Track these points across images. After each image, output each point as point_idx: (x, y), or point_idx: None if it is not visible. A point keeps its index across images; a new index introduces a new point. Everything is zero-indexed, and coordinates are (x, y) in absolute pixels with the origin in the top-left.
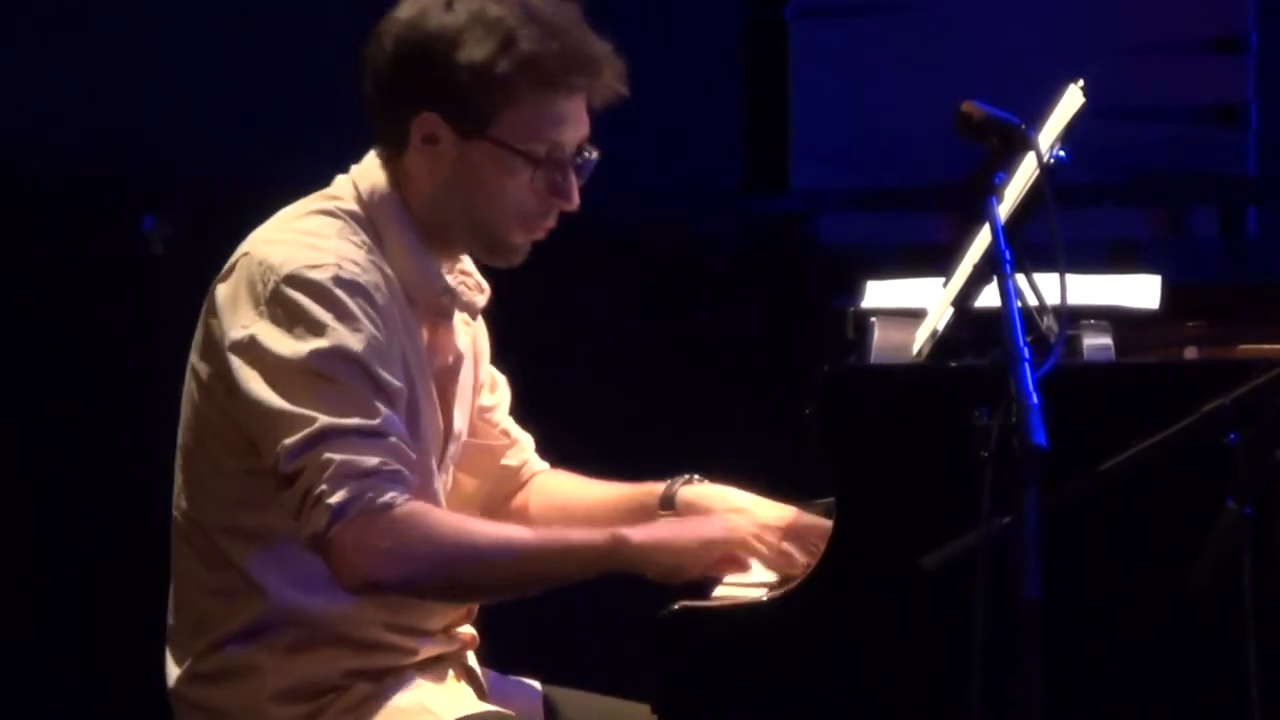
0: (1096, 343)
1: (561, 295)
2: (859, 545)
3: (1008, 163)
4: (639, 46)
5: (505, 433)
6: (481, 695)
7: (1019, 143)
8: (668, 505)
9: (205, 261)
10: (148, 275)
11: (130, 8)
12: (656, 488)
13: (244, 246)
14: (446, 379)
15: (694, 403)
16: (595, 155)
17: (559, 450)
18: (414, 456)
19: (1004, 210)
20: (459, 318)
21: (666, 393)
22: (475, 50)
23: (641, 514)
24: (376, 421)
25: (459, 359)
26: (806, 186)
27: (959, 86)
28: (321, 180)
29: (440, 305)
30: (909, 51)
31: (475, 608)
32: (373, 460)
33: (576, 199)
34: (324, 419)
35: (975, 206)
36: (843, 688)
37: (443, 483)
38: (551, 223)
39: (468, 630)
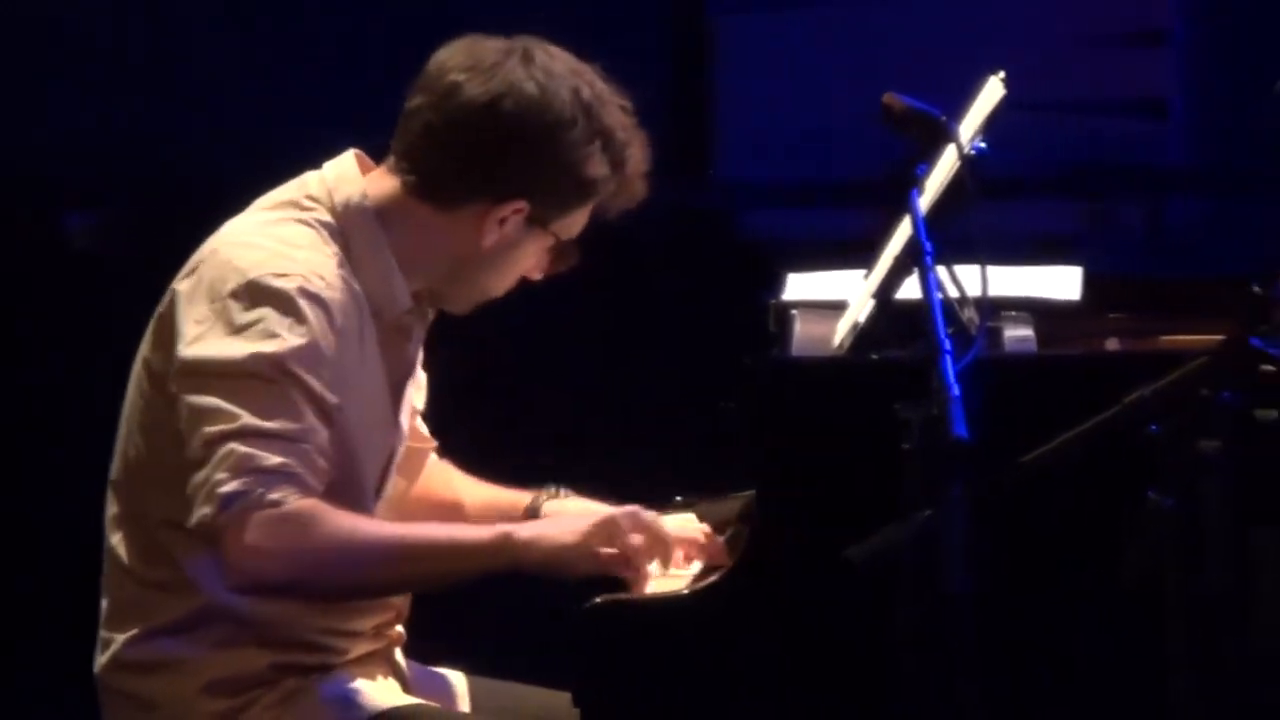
0: (1018, 334)
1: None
2: (780, 539)
3: (930, 155)
4: (562, 38)
5: (421, 427)
6: (406, 688)
7: (940, 134)
8: (532, 517)
9: (140, 259)
10: (71, 272)
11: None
12: (523, 498)
13: (211, 244)
14: (399, 388)
15: (613, 395)
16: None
17: (471, 444)
18: (325, 468)
19: (925, 202)
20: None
21: (585, 386)
22: (596, 167)
23: (508, 520)
24: (297, 427)
25: (411, 366)
26: (729, 179)
27: (882, 79)
28: (265, 179)
29: (401, 322)
30: (833, 44)
31: (407, 609)
32: (275, 460)
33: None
34: (248, 418)
35: (897, 199)
36: (763, 681)
37: (389, 490)
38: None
39: (397, 630)
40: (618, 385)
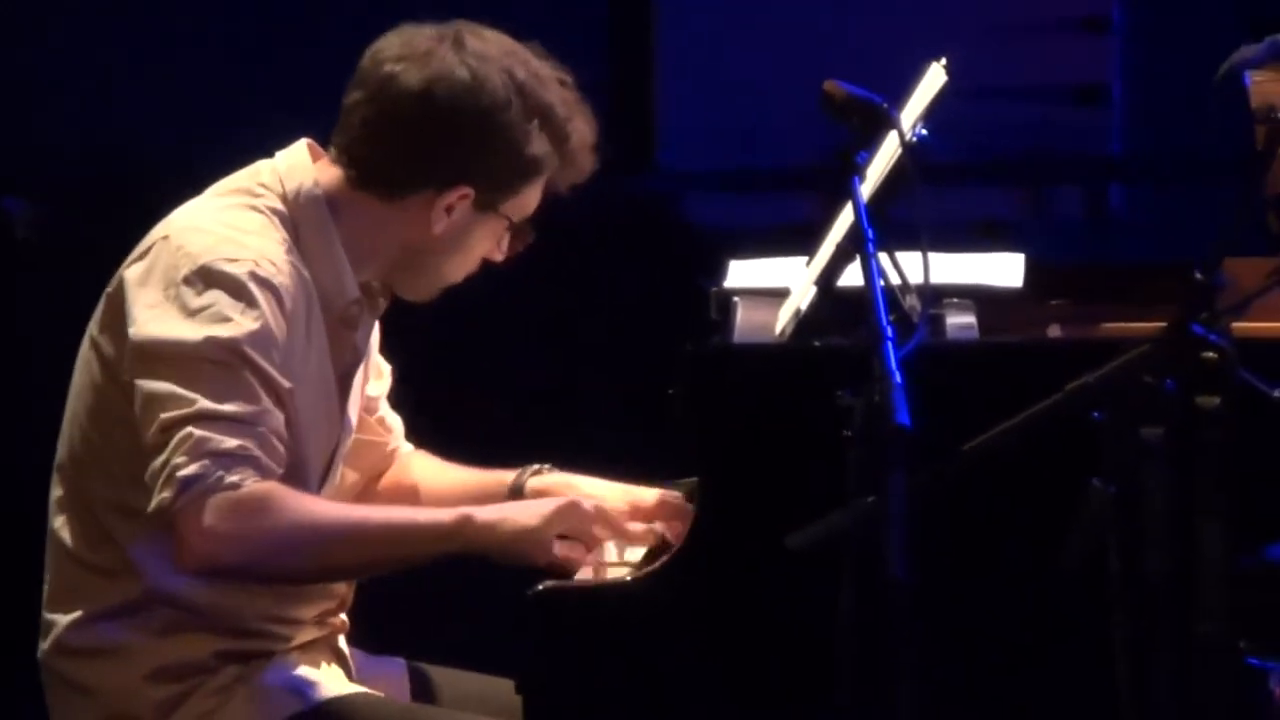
0: (960, 321)
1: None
2: (723, 525)
3: (871, 142)
4: (502, 24)
5: (381, 420)
6: (350, 676)
7: (882, 121)
8: (516, 495)
9: (83, 246)
10: (12, 259)
11: None
12: (506, 477)
13: (161, 229)
14: (346, 378)
15: (557, 383)
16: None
17: (423, 432)
18: (282, 451)
19: (867, 189)
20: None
21: (530, 373)
22: (536, 144)
23: (489, 502)
24: (253, 410)
25: (358, 356)
26: (672, 167)
27: (824, 66)
28: (213, 168)
29: (349, 313)
30: (775, 31)
31: (350, 597)
32: (232, 442)
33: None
34: (204, 402)
35: (839, 186)
36: (707, 667)
37: (335, 480)
38: (476, 273)
39: (341, 618)
40: (560, 373)
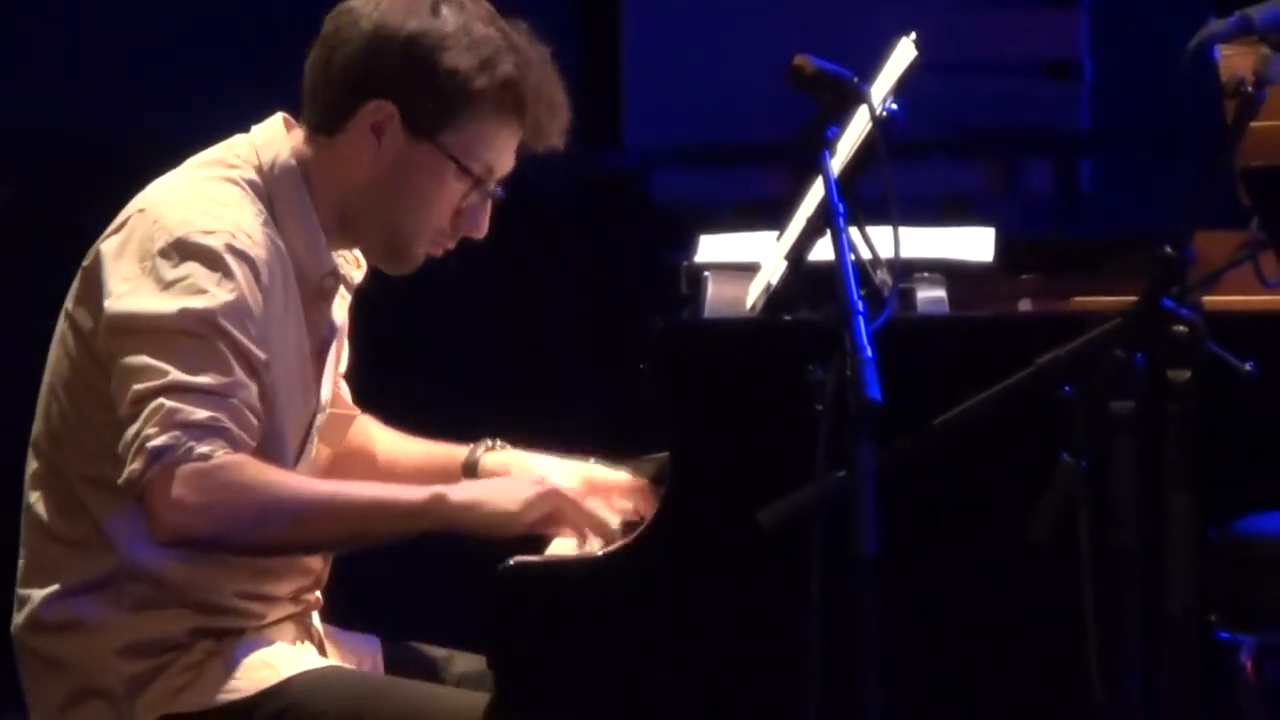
0: (931, 296)
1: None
2: (694, 501)
3: (841, 117)
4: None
5: (346, 392)
6: (323, 653)
7: (851, 96)
8: (470, 472)
9: (58, 223)
10: None
11: None
12: (460, 452)
13: (137, 203)
14: (321, 353)
15: (527, 359)
16: (501, 193)
17: (387, 408)
18: (255, 424)
19: (837, 164)
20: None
21: (499, 350)
22: (458, 58)
23: (443, 477)
24: (226, 381)
25: (333, 332)
26: (640, 143)
27: (793, 41)
28: (182, 146)
29: (324, 286)
30: (745, 7)
31: (325, 574)
32: (203, 414)
33: (485, 229)
34: (176, 374)
35: (809, 161)
36: (678, 642)
37: (310, 455)
38: (452, 245)
39: (315, 595)
40: (530, 348)
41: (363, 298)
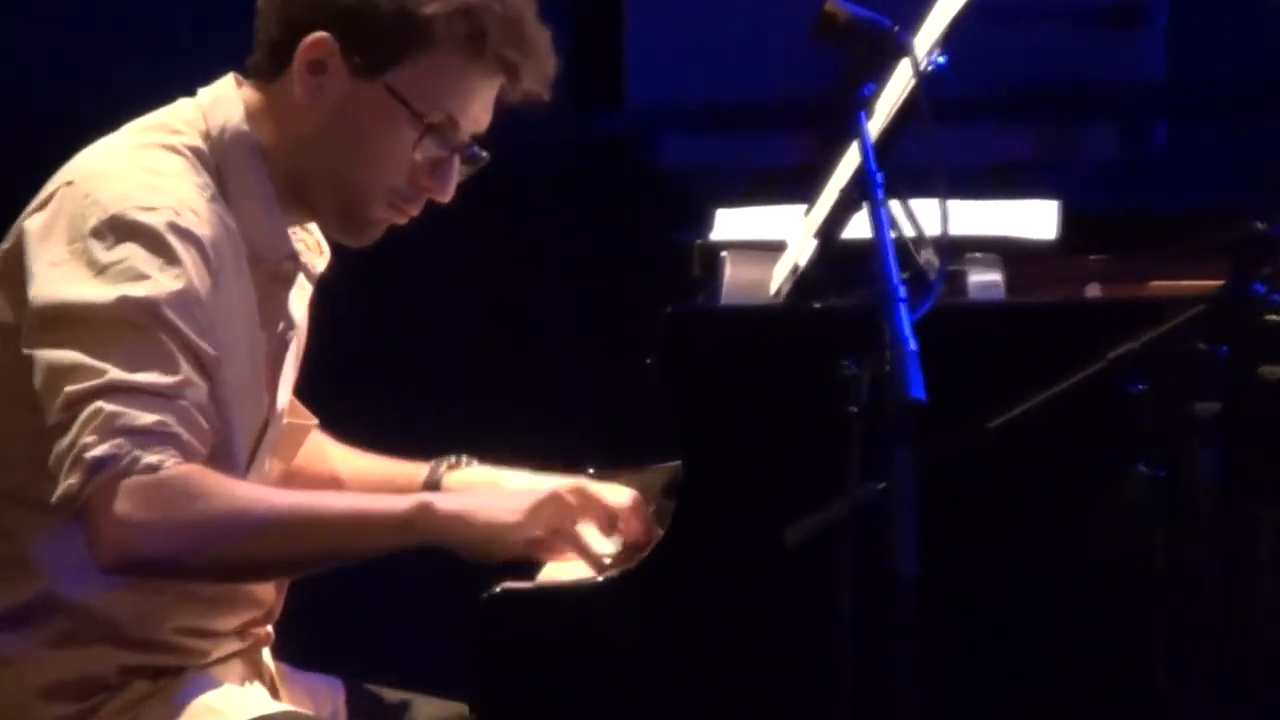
0: (984, 279)
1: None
2: (708, 516)
3: (877, 72)
4: None
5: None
6: (275, 694)
7: (891, 48)
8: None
9: None
10: None
11: None
12: (418, 471)
13: (65, 174)
14: (276, 352)
15: (517, 350)
16: (483, 156)
17: (337, 415)
18: (207, 429)
19: (874, 127)
20: (297, 280)
21: (486, 339)
22: (424, 4)
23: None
24: (172, 380)
25: (290, 328)
26: (643, 102)
27: None
28: (120, 109)
29: (281, 270)
30: None
31: (278, 606)
32: (149, 417)
33: (450, 193)
34: (115, 372)
35: (840, 123)
36: (690, 682)
37: (264, 469)
38: (415, 210)
39: (265, 630)
40: (519, 340)
41: (324, 276)
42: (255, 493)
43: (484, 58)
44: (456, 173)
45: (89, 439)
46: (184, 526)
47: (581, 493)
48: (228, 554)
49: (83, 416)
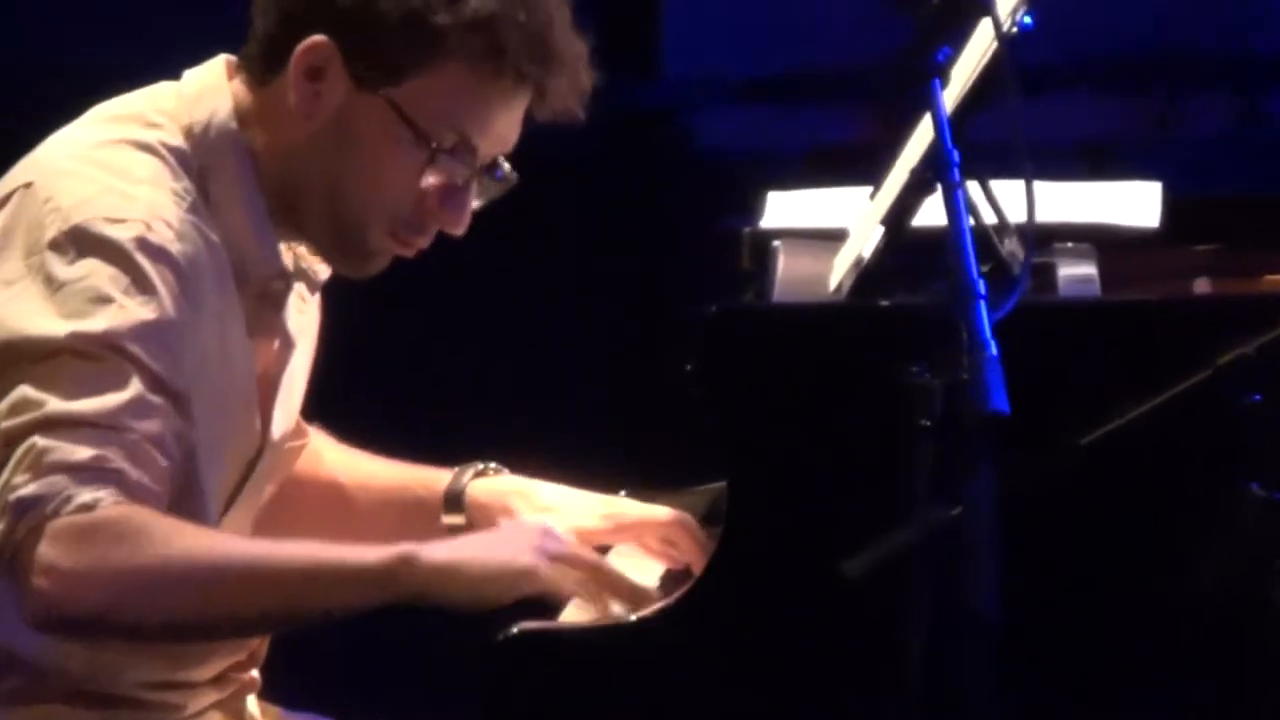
0: (1076, 272)
1: None
2: (756, 547)
3: (954, 34)
4: None
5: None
6: None
7: (969, 7)
8: (453, 505)
9: None
10: None
11: None
12: (439, 480)
13: (23, 173)
14: (269, 374)
15: (541, 353)
16: (512, 176)
17: (344, 417)
18: (163, 465)
19: (950, 98)
20: (296, 289)
21: (494, 344)
22: (437, 12)
23: (418, 512)
24: (117, 405)
25: (288, 346)
26: (683, 74)
27: None
28: (76, 93)
29: (270, 290)
30: None
31: (262, 650)
32: (86, 452)
33: (464, 224)
34: (54, 404)
35: (910, 94)
36: None
37: (251, 501)
38: (423, 242)
39: (250, 675)
40: (545, 344)
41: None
42: (207, 539)
43: (503, 74)
44: (471, 202)
45: (19, 479)
46: (119, 576)
47: (616, 517)
48: (172, 610)
49: (17, 454)
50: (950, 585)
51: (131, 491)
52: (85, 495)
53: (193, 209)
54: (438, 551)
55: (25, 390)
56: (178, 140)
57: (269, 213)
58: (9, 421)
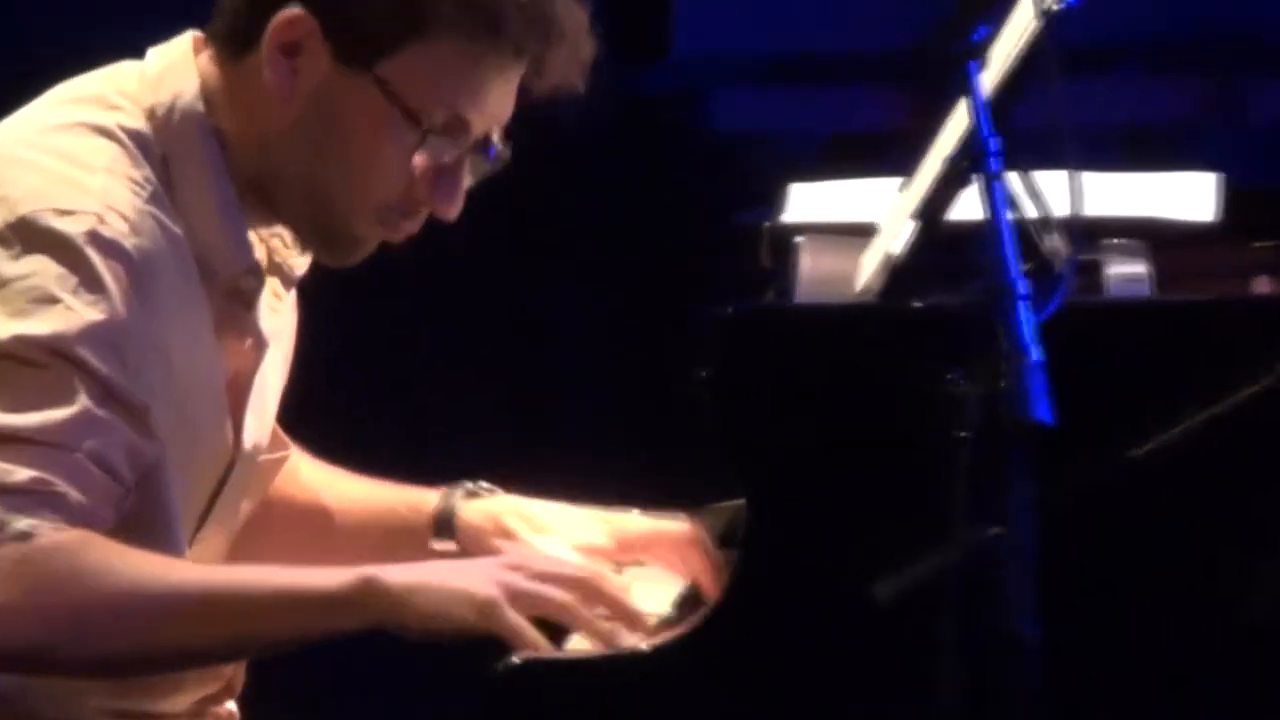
0: (1125, 271)
1: None
2: (778, 569)
3: (992, 11)
4: None
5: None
6: None
7: None
8: (444, 529)
9: None
10: None
11: None
12: (426, 500)
13: None
14: (241, 379)
15: (541, 359)
16: (505, 153)
17: (324, 432)
18: (114, 488)
19: (988, 81)
20: (270, 285)
21: (501, 344)
22: None
23: (404, 536)
24: (62, 420)
25: (260, 348)
26: (695, 52)
27: None
28: (28, 76)
29: (240, 288)
30: None
31: (239, 679)
32: (24, 474)
33: (457, 207)
34: None
35: (945, 76)
36: None
37: (225, 519)
38: (413, 227)
39: (226, 708)
40: (544, 349)
41: (318, 271)
42: (153, 566)
43: (500, 47)
44: (464, 183)
45: None
46: (58, 610)
47: (622, 533)
48: (116, 644)
49: None
50: (989, 611)
51: (73, 516)
52: (20, 523)
53: (153, 199)
54: (398, 575)
55: None
56: (139, 124)
57: (240, 201)
58: None
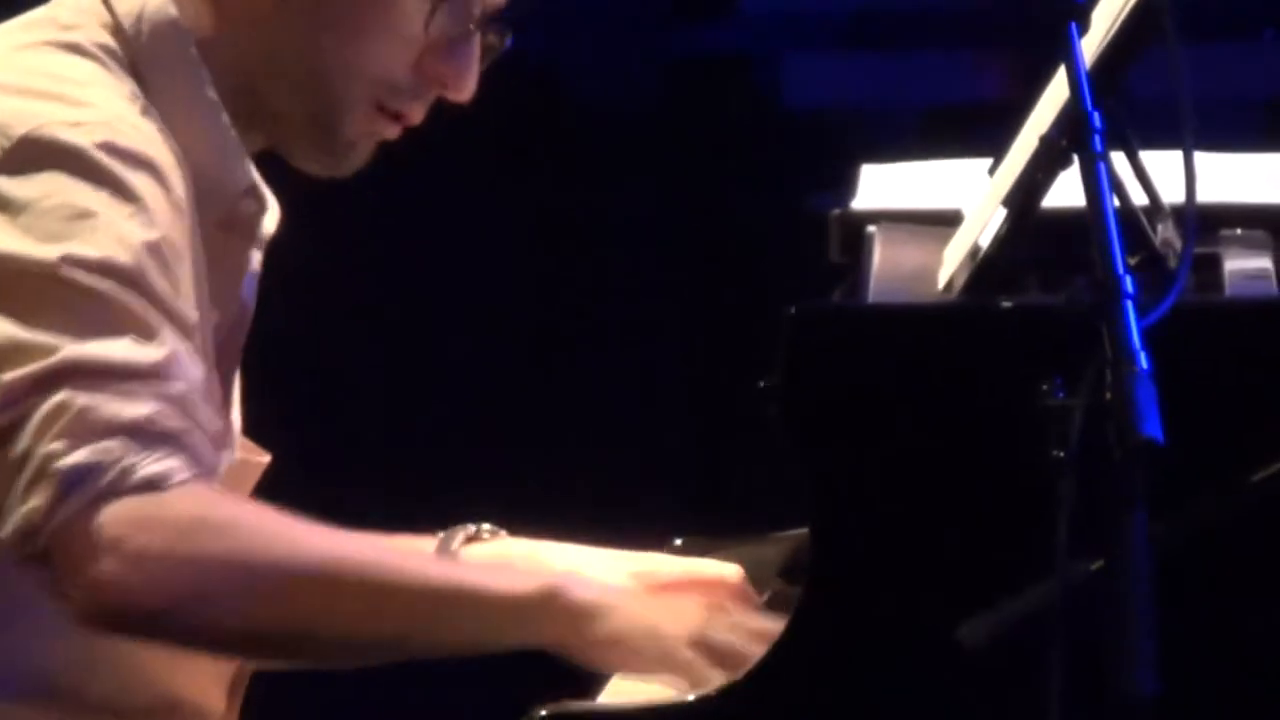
0: (1248, 266)
1: (393, 179)
2: (846, 607)
3: None
4: None
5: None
6: None
7: None
8: None
9: None
10: None
11: None
12: (419, 547)
13: None
14: (229, 342)
15: (575, 372)
16: (507, 40)
17: (330, 452)
18: (207, 426)
19: (1090, 47)
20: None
21: (523, 352)
22: None
23: None
24: (154, 356)
25: (245, 311)
26: (760, 13)
27: None
28: None
29: (239, 213)
30: None
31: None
32: (139, 410)
33: (472, 85)
34: (70, 348)
35: (1039, 41)
36: None
37: None
38: (417, 115)
39: None
40: (583, 356)
41: (333, 253)
42: (318, 536)
43: None
44: (475, 60)
45: (57, 445)
46: (205, 568)
47: (648, 576)
48: (271, 617)
49: (41, 414)
50: (1093, 657)
51: (196, 459)
52: (152, 466)
53: (146, 112)
54: (585, 590)
55: (12, 330)
56: (104, 38)
57: (227, 111)
58: (11, 372)
